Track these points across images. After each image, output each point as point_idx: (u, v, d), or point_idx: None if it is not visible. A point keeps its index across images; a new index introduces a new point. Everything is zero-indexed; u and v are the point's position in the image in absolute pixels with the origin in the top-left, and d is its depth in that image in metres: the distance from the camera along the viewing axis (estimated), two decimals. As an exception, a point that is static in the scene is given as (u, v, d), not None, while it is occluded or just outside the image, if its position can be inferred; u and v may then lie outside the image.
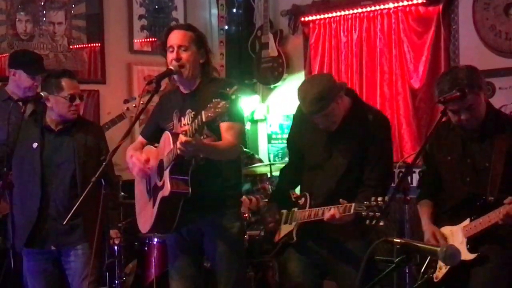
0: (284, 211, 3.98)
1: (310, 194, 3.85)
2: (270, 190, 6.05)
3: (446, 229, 3.69)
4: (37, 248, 4.31)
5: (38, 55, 5.42)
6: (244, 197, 5.69)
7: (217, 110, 3.23)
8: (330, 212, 3.63)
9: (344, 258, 3.79)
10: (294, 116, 4.12)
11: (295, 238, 3.84)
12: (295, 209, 3.91)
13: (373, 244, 2.43)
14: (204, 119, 3.27)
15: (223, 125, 3.69)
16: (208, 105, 3.26)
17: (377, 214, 3.35)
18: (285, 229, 3.93)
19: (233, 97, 3.27)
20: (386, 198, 3.38)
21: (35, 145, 4.31)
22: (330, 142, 3.84)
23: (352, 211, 3.48)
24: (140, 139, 4.09)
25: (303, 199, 3.88)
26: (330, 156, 3.84)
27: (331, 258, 3.86)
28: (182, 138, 3.43)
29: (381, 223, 3.35)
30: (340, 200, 3.63)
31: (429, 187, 3.85)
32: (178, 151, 3.47)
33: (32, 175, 4.30)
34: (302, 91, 3.80)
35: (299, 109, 3.96)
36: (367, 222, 3.39)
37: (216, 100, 3.26)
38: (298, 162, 4.06)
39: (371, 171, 3.75)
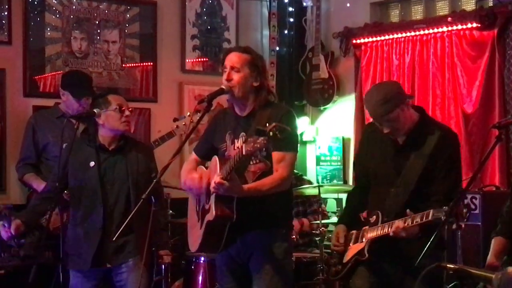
0: (354, 231, 3.96)
1: (382, 211, 3.82)
2: (326, 211, 6.03)
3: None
4: (95, 267, 4.34)
5: (86, 77, 5.51)
6: (295, 220, 5.67)
7: (255, 145, 3.25)
8: (394, 225, 3.63)
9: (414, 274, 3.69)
10: (362, 137, 4.19)
11: (366, 255, 3.80)
12: (367, 227, 3.88)
13: (425, 269, 2.39)
14: (244, 153, 3.28)
15: (275, 155, 3.69)
16: (248, 139, 3.28)
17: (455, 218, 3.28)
18: (355, 248, 3.90)
19: (271, 133, 3.26)
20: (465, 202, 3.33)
21: (92, 164, 4.36)
22: (399, 158, 3.85)
23: (430, 217, 3.45)
24: (193, 156, 4.10)
25: (374, 216, 3.85)
26: (399, 172, 3.82)
27: (406, 277, 3.78)
28: (216, 179, 3.49)
29: (454, 226, 3.26)
30: (407, 211, 3.62)
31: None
32: (212, 190, 3.52)
33: (93, 194, 4.34)
34: (368, 95, 3.89)
35: (365, 129, 4.05)
36: (439, 228, 3.32)
37: (254, 136, 3.27)
38: (366, 184, 4.05)
39: (438, 186, 3.73)
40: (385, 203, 3.85)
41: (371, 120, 4.02)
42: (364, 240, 3.85)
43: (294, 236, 5.19)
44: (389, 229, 3.66)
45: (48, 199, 4.39)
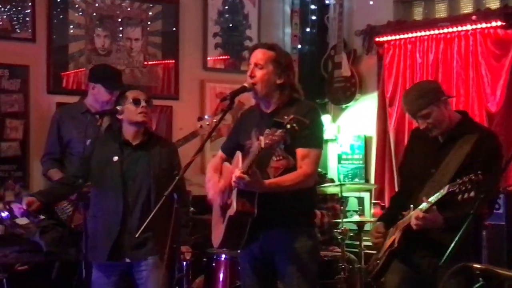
0: (391, 229, 3.96)
1: (415, 205, 3.79)
2: (340, 210, 6.00)
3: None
4: (113, 261, 4.37)
5: (117, 70, 5.53)
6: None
7: (273, 138, 3.23)
8: (413, 215, 3.63)
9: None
10: (407, 143, 4.23)
11: (396, 244, 3.80)
12: (400, 221, 3.87)
13: (450, 270, 2.36)
14: (262, 146, 3.27)
15: (299, 151, 3.68)
16: (266, 132, 3.27)
17: (469, 187, 3.33)
18: (389, 241, 3.91)
19: (288, 126, 3.25)
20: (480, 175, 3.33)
21: (115, 158, 4.40)
22: (438, 155, 3.85)
23: (445, 191, 3.46)
24: (220, 153, 4.11)
25: (408, 210, 3.83)
26: (437, 168, 3.82)
27: (438, 269, 3.70)
28: (236, 173, 3.48)
29: (472, 194, 3.28)
30: (423, 198, 3.64)
31: None
32: (233, 184, 3.51)
33: (114, 188, 4.38)
34: (406, 92, 4.01)
35: (410, 134, 4.11)
36: (459, 197, 3.34)
37: (272, 129, 3.26)
38: (409, 189, 4.00)
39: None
40: (419, 197, 3.82)
41: (407, 117, 4.07)
42: (396, 231, 3.85)
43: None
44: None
45: (66, 186, 4.48)
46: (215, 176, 3.94)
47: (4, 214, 4.52)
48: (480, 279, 2.24)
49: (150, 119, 4.50)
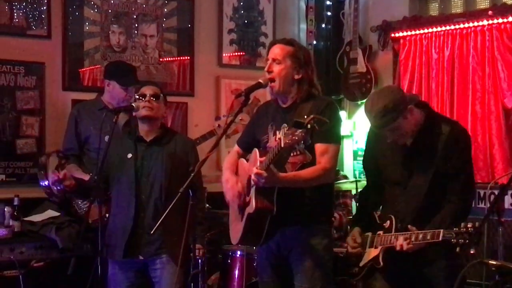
0: (369, 234, 3.89)
1: (395, 216, 3.75)
2: (352, 206, 5.98)
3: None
4: (127, 258, 4.38)
5: (131, 67, 5.55)
6: None
7: (293, 138, 3.21)
8: (398, 242, 3.58)
9: (433, 278, 3.67)
10: (368, 134, 4.03)
11: (381, 263, 3.75)
12: (381, 232, 3.81)
13: (466, 266, 2.34)
14: (282, 146, 3.26)
15: (318, 147, 3.67)
16: (286, 132, 3.25)
17: (467, 241, 3.20)
18: (370, 253, 3.84)
19: (309, 126, 3.23)
20: (477, 224, 3.24)
21: (129, 155, 4.41)
22: (409, 159, 3.76)
23: (440, 238, 3.37)
24: (236, 148, 4.11)
25: (388, 222, 3.78)
26: (411, 174, 3.74)
27: (418, 280, 3.75)
28: (254, 170, 3.47)
29: (472, 251, 3.14)
30: (409, 226, 3.57)
31: None
32: (252, 182, 3.51)
33: (128, 184, 4.40)
34: (368, 105, 3.70)
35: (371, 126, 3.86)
36: (457, 249, 3.25)
37: (292, 128, 3.24)
38: (377, 182, 3.96)
39: (453, 187, 3.65)
40: (398, 207, 3.78)
41: None
42: (379, 246, 3.79)
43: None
44: (396, 242, 3.61)
45: (99, 189, 4.44)
46: (233, 178, 3.90)
47: (44, 183, 5.00)
48: (496, 276, 2.22)
49: (158, 114, 4.45)
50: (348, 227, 5.27)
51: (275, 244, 3.83)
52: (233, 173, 3.94)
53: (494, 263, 2.20)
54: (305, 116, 3.26)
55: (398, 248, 3.58)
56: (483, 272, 4.34)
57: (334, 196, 4.37)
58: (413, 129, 3.70)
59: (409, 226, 3.58)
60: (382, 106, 3.58)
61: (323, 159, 3.67)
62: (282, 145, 3.25)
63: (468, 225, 3.25)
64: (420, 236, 3.49)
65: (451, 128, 3.72)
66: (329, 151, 3.69)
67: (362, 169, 6.81)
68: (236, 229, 3.84)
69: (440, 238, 3.36)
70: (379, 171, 3.93)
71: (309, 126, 3.22)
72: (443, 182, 3.65)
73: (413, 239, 3.52)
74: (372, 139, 3.99)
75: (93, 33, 6.02)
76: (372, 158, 4.00)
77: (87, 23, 5.99)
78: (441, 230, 3.37)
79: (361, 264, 3.90)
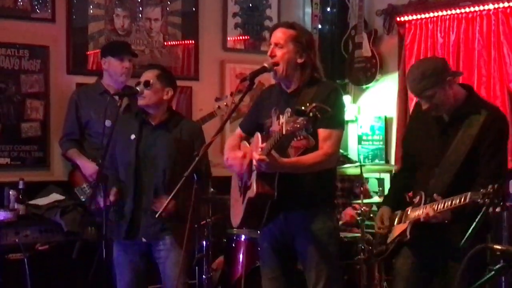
0: (399, 212, 3.94)
1: (425, 191, 3.78)
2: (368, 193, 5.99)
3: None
4: (129, 240, 4.41)
5: (124, 42, 5.65)
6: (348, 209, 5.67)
7: (295, 125, 3.20)
8: (425, 211, 3.60)
9: (456, 256, 3.64)
10: (410, 117, 4.12)
11: (408, 236, 3.77)
12: (410, 207, 3.85)
13: (472, 250, 2.34)
14: (284, 133, 3.25)
15: (321, 132, 3.65)
16: (287, 119, 3.24)
17: (492, 199, 3.23)
18: (399, 228, 3.87)
19: (311, 114, 3.22)
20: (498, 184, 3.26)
21: (132, 136, 4.43)
22: (444, 138, 3.79)
23: (468, 199, 3.38)
24: (238, 131, 4.09)
25: (418, 197, 3.81)
26: (444, 152, 3.76)
27: (448, 260, 3.76)
28: (256, 155, 3.46)
29: (498, 209, 3.20)
30: (434, 195, 3.59)
31: None
32: (253, 167, 3.50)
33: (128, 166, 4.41)
34: (410, 70, 3.82)
35: (413, 108, 3.97)
36: (484, 209, 3.22)
37: (294, 116, 3.23)
38: (412, 166, 4.01)
39: (484, 170, 3.66)
40: (429, 183, 3.80)
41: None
42: (407, 221, 3.82)
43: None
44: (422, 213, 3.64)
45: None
46: (232, 153, 3.89)
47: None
48: (501, 260, 2.22)
49: (151, 101, 4.41)
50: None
51: (278, 229, 3.84)
52: (234, 151, 3.93)
53: (499, 247, 2.19)
54: (307, 104, 3.26)
55: (423, 216, 3.61)
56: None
57: (337, 180, 4.35)
58: (451, 103, 3.73)
59: (435, 195, 3.61)
60: (421, 72, 3.67)
61: (326, 145, 3.66)
62: (284, 132, 3.25)
63: (495, 186, 3.26)
64: (447, 203, 3.51)
65: (490, 112, 3.74)
66: (332, 137, 3.68)
67: (367, 154, 6.91)
68: (236, 212, 3.85)
69: (468, 200, 3.37)
70: (414, 154, 3.98)
71: (311, 114, 3.21)
72: (474, 164, 3.67)
73: (440, 206, 3.55)
74: (414, 121, 4.06)
75: (98, 16, 6.00)
76: (410, 140, 4.06)
77: (91, 6, 5.97)
78: (468, 193, 3.39)
79: (388, 240, 3.94)
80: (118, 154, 4.49)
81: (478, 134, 3.66)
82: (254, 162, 3.51)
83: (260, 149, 3.51)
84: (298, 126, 3.19)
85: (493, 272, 2.28)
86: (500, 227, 4.84)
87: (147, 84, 4.40)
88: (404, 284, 3.91)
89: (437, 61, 3.83)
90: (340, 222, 5.54)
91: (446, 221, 3.59)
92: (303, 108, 3.21)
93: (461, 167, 3.68)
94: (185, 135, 4.47)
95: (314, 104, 3.22)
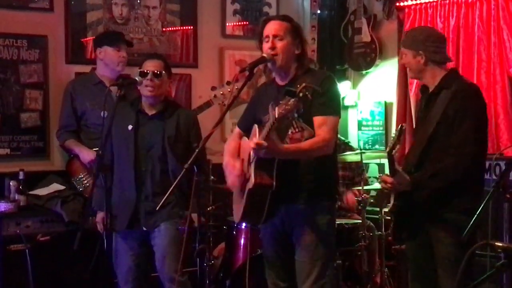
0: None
1: (406, 162, 4.01)
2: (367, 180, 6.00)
3: None
4: (131, 229, 4.46)
5: (118, 31, 5.66)
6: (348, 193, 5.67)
7: (286, 107, 3.22)
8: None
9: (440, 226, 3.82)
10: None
11: (391, 207, 4.00)
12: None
13: (472, 247, 2.35)
14: (276, 116, 3.26)
15: (316, 119, 3.68)
16: (280, 102, 3.26)
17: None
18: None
19: (301, 94, 3.23)
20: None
21: (130, 127, 4.45)
22: (425, 113, 3.97)
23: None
24: (237, 130, 4.14)
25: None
26: (423, 124, 3.97)
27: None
28: (254, 140, 3.46)
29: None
30: (396, 165, 3.85)
31: None
32: (252, 153, 3.51)
33: (127, 156, 4.42)
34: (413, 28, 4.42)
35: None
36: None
37: (285, 98, 3.26)
38: None
39: (453, 140, 3.76)
40: (409, 153, 4.08)
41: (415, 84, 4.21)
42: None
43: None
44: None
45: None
46: (233, 160, 3.93)
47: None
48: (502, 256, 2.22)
49: (160, 91, 4.45)
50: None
51: (280, 220, 3.87)
52: (233, 157, 3.95)
53: (501, 244, 2.20)
54: (298, 86, 3.27)
55: (382, 186, 3.98)
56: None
57: (338, 171, 4.37)
58: (426, 77, 3.98)
59: (396, 167, 3.81)
60: (417, 31, 4.17)
61: (322, 130, 3.68)
62: (277, 116, 3.26)
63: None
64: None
65: (459, 86, 3.87)
66: (327, 123, 3.70)
67: (367, 139, 6.90)
68: (238, 207, 3.87)
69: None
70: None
71: (301, 94, 3.25)
72: (445, 137, 3.80)
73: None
74: (419, 104, 4.30)
75: (96, 5, 5.96)
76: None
77: (89, -5, 5.94)
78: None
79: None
80: (116, 144, 4.50)
81: (446, 107, 3.79)
82: (252, 145, 3.50)
83: (258, 137, 3.52)
84: (289, 107, 3.23)
85: (494, 270, 2.27)
86: (501, 218, 4.82)
87: (158, 75, 4.42)
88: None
89: (431, 35, 4.05)
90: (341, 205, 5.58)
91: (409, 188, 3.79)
92: (293, 89, 3.27)
93: (429, 139, 3.83)
94: (182, 124, 4.50)
95: (304, 84, 3.27)
